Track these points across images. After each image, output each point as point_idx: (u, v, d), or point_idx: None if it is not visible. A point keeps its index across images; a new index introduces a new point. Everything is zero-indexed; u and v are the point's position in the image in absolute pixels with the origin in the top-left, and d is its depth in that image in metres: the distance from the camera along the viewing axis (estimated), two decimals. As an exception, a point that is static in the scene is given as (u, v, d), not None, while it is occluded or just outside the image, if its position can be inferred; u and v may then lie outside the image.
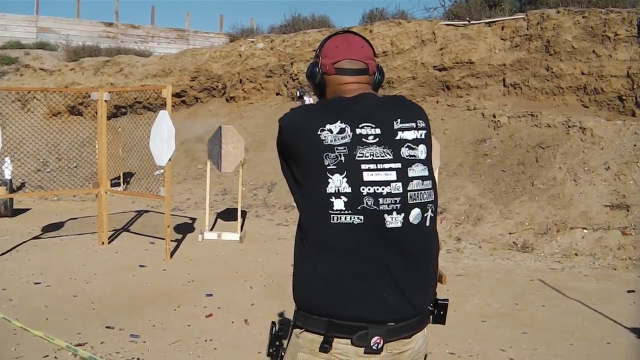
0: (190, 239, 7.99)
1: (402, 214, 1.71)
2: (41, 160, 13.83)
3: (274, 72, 13.55)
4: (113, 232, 8.03)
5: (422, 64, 11.56)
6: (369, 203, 1.68)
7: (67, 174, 12.77)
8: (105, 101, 7.53)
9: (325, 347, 1.69)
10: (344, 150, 1.69)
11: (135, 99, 14.23)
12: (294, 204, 2.01)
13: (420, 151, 1.78)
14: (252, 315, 5.05)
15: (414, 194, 1.74)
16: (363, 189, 1.68)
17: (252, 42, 14.22)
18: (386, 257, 1.71)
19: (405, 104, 1.87)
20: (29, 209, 10.42)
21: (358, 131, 1.72)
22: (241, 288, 5.86)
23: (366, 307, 1.69)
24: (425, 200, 1.77)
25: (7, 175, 14.90)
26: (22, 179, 13.24)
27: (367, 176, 1.69)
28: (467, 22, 11.31)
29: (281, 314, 4.91)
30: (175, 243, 7.53)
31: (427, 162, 1.80)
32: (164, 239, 7.51)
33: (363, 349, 1.67)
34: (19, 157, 15.54)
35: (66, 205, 10.80)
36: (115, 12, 22.83)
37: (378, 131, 1.74)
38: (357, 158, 1.69)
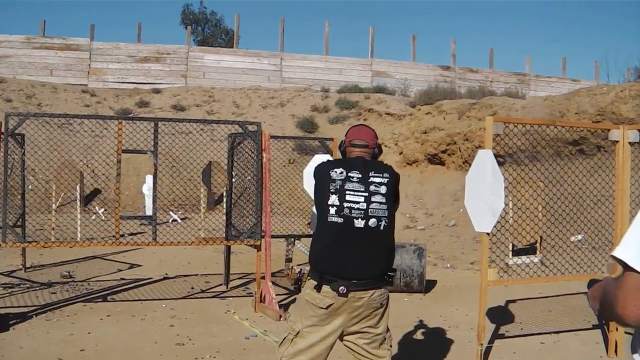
0: None
1: (364, 220, 3.21)
2: (408, 216, 12.10)
3: None
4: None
5: None
6: (347, 212, 3.21)
7: (447, 233, 10.73)
8: (630, 143, 5.13)
9: (317, 288, 3.19)
10: (340, 183, 3.25)
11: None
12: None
13: (382, 189, 3.26)
14: None
15: (373, 210, 3.23)
16: (345, 204, 3.21)
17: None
18: (353, 243, 3.21)
19: (380, 165, 3.39)
20: (435, 280, 8.43)
21: (349, 174, 3.27)
22: None
23: (339, 269, 3.18)
24: (380, 215, 3.24)
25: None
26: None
27: (348, 197, 3.22)
28: None
29: None
30: None
31: (385, 195, 3.27)
32: None
33: (336, 292, 3.14)
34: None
35: (471, 276, 8.56)
36: (452, 55, 21.34)
37: (360, 175, 3.27)
38: (345, 187, 3.24)
